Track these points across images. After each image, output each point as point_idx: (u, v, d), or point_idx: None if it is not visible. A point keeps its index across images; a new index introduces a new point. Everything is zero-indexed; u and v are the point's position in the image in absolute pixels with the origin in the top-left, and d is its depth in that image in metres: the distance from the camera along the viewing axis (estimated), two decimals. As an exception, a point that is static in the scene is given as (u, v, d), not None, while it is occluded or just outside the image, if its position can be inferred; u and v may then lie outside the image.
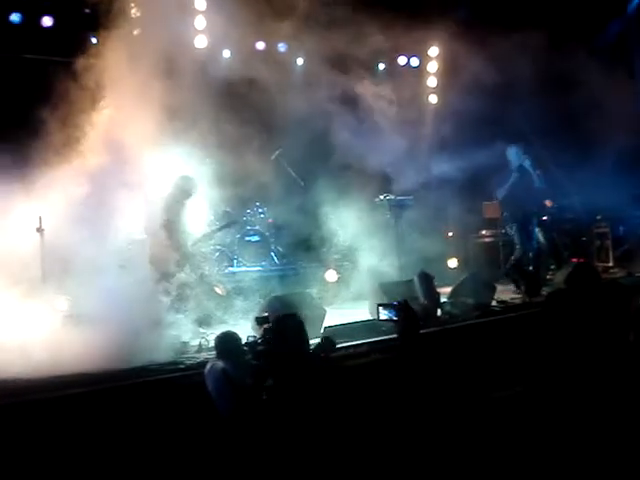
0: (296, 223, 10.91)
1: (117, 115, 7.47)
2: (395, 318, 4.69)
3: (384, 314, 4.90)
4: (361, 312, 8.47)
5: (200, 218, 9.32)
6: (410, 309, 4.45)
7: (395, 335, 4.68)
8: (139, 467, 4.99)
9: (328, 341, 4.98)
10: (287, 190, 11.31)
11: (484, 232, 12.87)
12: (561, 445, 3.12)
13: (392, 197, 10.81)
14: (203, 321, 7.72)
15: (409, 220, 10.81)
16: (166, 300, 7.23)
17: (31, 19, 9.96)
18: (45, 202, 7.44)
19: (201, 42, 10.34)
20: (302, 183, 11.59)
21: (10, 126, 8.60)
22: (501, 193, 10.48)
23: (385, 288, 8.49)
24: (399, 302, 4.62)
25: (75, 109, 7.36)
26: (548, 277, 10.43)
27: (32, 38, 9.87)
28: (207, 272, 8.65)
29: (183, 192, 8.31)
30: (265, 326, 4.83)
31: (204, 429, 4.92)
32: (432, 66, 13.21)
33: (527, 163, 10.31)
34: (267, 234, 11.25)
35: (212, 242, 10.05)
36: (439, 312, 8.40)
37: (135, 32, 7.98)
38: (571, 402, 3.23)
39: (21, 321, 6.76)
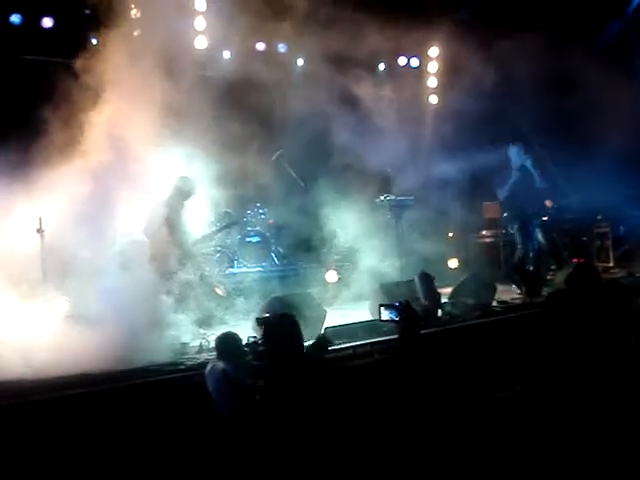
0: (297, 224, 10.92)
1: (117, 116, 7.46)
2: (396, 318, 4.69)
3: (386, 314, 4.90)
4: (361, 313, 8.46)
5: (200, 219, 9.33)
6: (411, 310, 4.45)
7: (396, 335, 4.68)
8: (140, 467, 4.98)
9: (323, 340, 4.98)
10: (288, 191, 11.32)
11: (484, 232, 12.88)
12: (562, 445, 3.12)
13: (392, 197, 10.82)
14: (203, 322, 7.71)
15: (409, 220, 10.82)
16: (168, 300, 7.23)
17: (31, 20, 9.95)
18: (45, 203, 7.44)
19: (201, 43, 10.34)
20: (303, 184, 11.59)
21: (10, 127, 8.59)
22: (502, 193, 10.48)
23: (386, 288, 8.49)
24: (400, 303, 4.62)
25: (75, 110, 7.36)
26: (548, 277, 10.42)
27: (32, 39, 9.86)
28: (207, 273, 8.66)
29: (183, 193, 8.31)
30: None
31: (205, 430, 4.92)
32: (432, 66, 13.21)
33: (529, 163, 10.31)
34: (268, 235, 11.25)
35: (213, 243, 10.07)
36: (440, 312, 8.39)
37: (135, 33, 7.98)
38: (572, 403, 3.23)
39: (22, 322, 6.75)
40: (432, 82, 13.28)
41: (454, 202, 12.69)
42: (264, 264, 11.05)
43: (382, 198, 10.82)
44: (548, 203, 10.85)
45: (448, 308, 8.56)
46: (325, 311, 7.92)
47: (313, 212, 10.73)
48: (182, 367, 6.42)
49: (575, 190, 11.82)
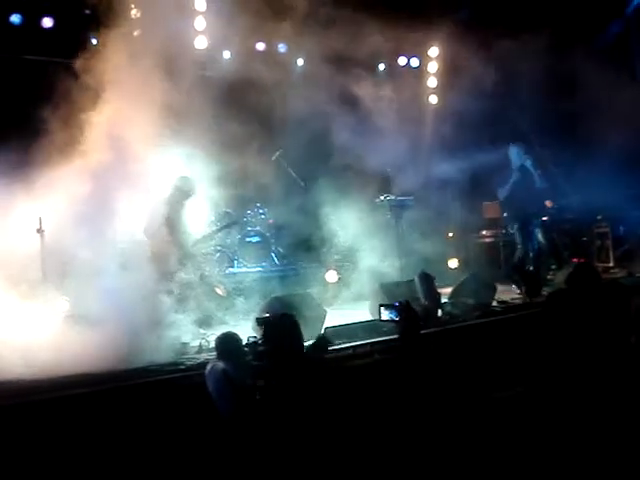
0: (297, 224, 10.92)
1: (117, 116, 7.46)
2: (396, 318, 4.69)
3: (386, 314, 4.90)
4: (361, 313, 8.46)
5: (200, 219, 9.33)
6: (411, 310, 4.45)
7: (396, 335, 4.68)
8: (140, 467, 4.98)
9: (323, 340, 4.98)
10: (287, 191, 11.33)
11: (484, 232, 12.89)
12: (562, 446, 3.12)
13: (392, 197, 10.81)
14: (204, 322, 7.71)
15: (409, 220, 10.82)
16: (168, 300, 7.23)
17: (31, 20, 9.95)
18: (45, 203, 7.44)
19: (201, 43, 10.34)
20: (302, 184, 11.59)
21: (10, 127, 8.59)
22: (502, 193, 10.49)
23: (386, 288, 8.49)
24: (400, 302, 4.62)
25: (75, 110, 7.36)
26: (548, 277, 10.42)
27: (32, 39, 9.86)
28: (207, 273, 8.65)
29: (183, 193, 8.31)
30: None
31: (205, 430, 4.92)
32: (432, 66, 13.21)
33: (529, 163, 10.31)
34: (268, 235, 11.25)
35: (213, 243, 10.06)
36: (440, 312, 8.39)
37: (135, 33, 7.98)
38: (572, 403, 3.23)
39: (22, 322, 6.75)
40: (432, 82, 13.29)
41: (454, 202, 12.70)
42: (264, 264, 11.05)
43: (382, 198, 10.81)
44: (548, 203, 10.86)
45: (448, 308, 8.56)
46: (325, 311, 7.92)
47: (313, 212, 10.73)
48: (182, 367, 6.42)
49: (575, 190, 11.82)
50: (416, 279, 8.56)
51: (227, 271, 10.43)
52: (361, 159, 10.28)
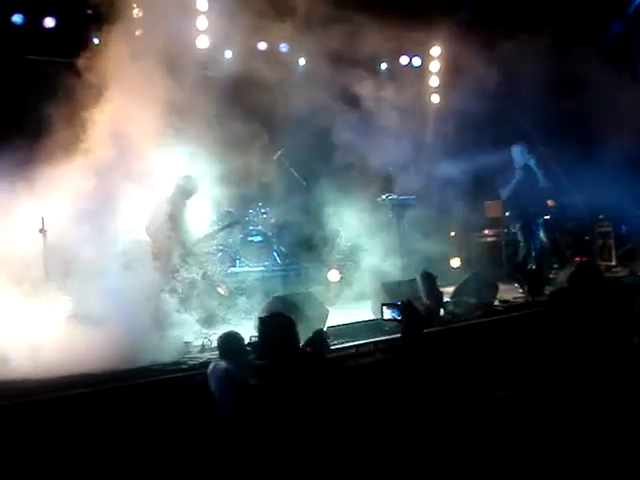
0: (298, 223, 10.93)
1: (119, 116, 7.47)
2: (399, 318, 4.70)
3: (388, 314, 4.90)
4: (364, 312, 8.47)
5: (203, 218, 9.34)
6: (414, 309, 4.45)
7: (398, 335, 4.68)
8: (142, 467, 4.99)
9: (319, 335, 4.97)
10: (289, 190, 11.33)
11: (487, 231, 12.88)
12: (563, 445, 3.12)
13: (394, 197, 10.82)
14: (206, 321, 7.72)
15: (411, 220, 10.82)
16: (170, 300, 7.24)
17: (33, 20, 9.97)
18: (48, 202, 7.45)
19: (203, 42, 10.34)
20: (304, 183, 11.59)
21: (13, 126, 8.61)
22: (505, 193, 10.48)
23: (388, 288, 8.49)
24: (403, 302, 4.62)
25: (77, 109, 7.37)
26: (551, 276, 10.43)
27: (34, 39, 9.87)
28: (210, 272, 8.65)
29: (185, 192, 8.32)
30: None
31: (207, 429, 4.93)
32: (434, 66, 13.20)
33: (532, 162, 10.31)
34: (270, 234, 11.25)
35: (215, 242, 10.06)
36: (442, 312, 8.40)
37: (137, 33, 7.99)
38: (574, 402, 3.23)
39: (24, 322, 6.76)
40: (434, 81, 13.27)
41: (456, 201, 12.68)
42: (266, 263, 11.05)
43: (384, 197, 10.82)
44: (550, 203, 10.86)
45: (450, 307, 8.56)
46: (327, 310, 7.92)
47: (315, 211, 10.74)
48: (184, 366, 6.42)
49: (577, 189, 11.82)
50: (418, 278, 8.57)
51: (229, 270, 10.43)
52: (363, 158, 10.29)
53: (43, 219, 7.40)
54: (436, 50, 13.01)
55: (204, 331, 7.39)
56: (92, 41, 8.47)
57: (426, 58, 13.14)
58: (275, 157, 11.29)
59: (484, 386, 4.12)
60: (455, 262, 12.27)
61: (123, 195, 7.40)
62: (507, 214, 11.26)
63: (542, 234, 10.56)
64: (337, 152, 10.38)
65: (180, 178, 8.33)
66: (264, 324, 4.65)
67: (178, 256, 7.91)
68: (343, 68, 10.35)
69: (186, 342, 7.14)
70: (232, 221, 10.33)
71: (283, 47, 11.38)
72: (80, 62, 7.59)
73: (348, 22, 9.83)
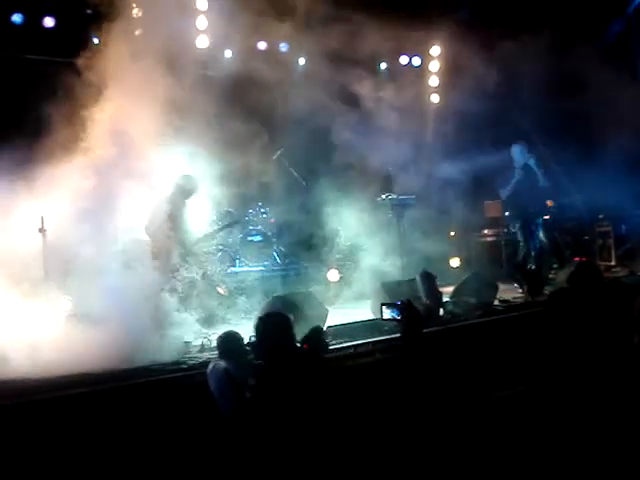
0: (298, 223, 10.94)
1: (119, 115, 7.47)
2: (398, 317, 4.70)
3: (387, 313, 4.90)
4: (363, 312, 8.47)
5: (202, 218, 9.34)
6: (414, 308, 4.45)
7: (398, 334, 4.68)
8: (142, 466, 4.99)
9: (316, 332, 4.96)
10: (289, 190, 11.33)
11: (486, 231, 12.88)
12: (563, 445, 3.12)
13: (394, 196, 10.82)
14: (205, 321, 7.72)
15: (411, 219, 10.82)
16: (170, 299, 7.24)
17: (33, 20, 9.96)
18: (48, 201, 7.45)
19: (202, 42, 10.34)
20: (304, 183, 11.59)
21: (13, 126, 8.60)
22: (504, 192, 10.48)
23: (387, 287, 8.49)
24: (402, 302, 4.62)
25: (77, 109, 7.37)
26: (550, 276, 10.43)
27: (34, 38, 9.87)
28: (209, 272, 8.65)
29: (185, 191, 8.32)
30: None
31: (206, 429, 4.93)
32: (434, 65, 13.20)
33: (532, 162, 10.30)
34: (269, 234, 11.25)
35: (214, 242, 10.06)
36: (441, 311, 8.40)
37: (137, 32, 7.99)
38: (573, 402, 3.23)
39: (24, 321, 6.75)
40: (434, 81, 13.26)
41: (456, 201, 12.68)
42: (266, 263, 11.05)
43: (384, 197, 10.82)
44: (549, 203, 10.86)
45: (450, 307, 8.56)
46: (327, 310, 7.92)
47: (315, 211, 10.74)
48: (184, 366, 6.42)
49: (577, 189, 11.82)
50: (418, 278, 8.57)
51: (229, 270, 10.43)
52: (363, 158, 10.28)
53: (43, 218, 7.40)
54: (436, 50, 13.01)
55: (204, 331, 7.40)
56: (92, 41, 8.47)
57: (426, 58, 13.13)
58: (275, 157, 11.29)
59: (484, 386, 4.12)
60: (455, 262, 12.27)
61: (123, 194, 7.40)
62: (507, 214, 11.26)
63: (542, 234, 10.56)
64: (337, 152, 10.38)
65: (180, 177, 8.33)
66: (261, 323, 4.66)
67: (178, 255, 7.92)
68: (343, 68, 10.35)
69: (186, 342, 7.14)
70: (232, 221, 10.32)
71: (283, 47, 11.37)
72: (80, 62, 7.60)
73: (348, 22, 9.83)
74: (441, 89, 13.16)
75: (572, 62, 10.79)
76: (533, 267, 10.26)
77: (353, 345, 7.00)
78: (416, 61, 13.10)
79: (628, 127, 11.08)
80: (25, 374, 6.01)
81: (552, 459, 3.11)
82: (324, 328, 7.22)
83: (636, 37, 13.92)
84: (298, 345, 4.68)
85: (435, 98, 13.25)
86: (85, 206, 7.18)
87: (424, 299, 8.27)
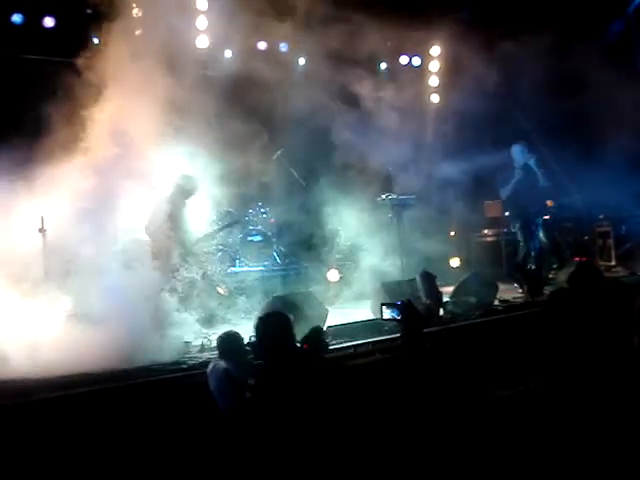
0: (298, 223, 10.95)
1: (118, 115, 7.47)
2: (398, 317, 4.69)
3: (388, 313, 4.90)
4: (363, 312, 8.48)
5: (202, 218, 9.33)
6: (414, 308, 4.45)
7: (398, 334, 4.68)
8: (142, 466, 4.99)
9: (316, 332, 4.96)
10: (289, 190, 11.34)
11: (486, 231, 12.88)
12: (564, 444, 3.12)
13: (394, 196, 10.82)
14: (205, 321, 7.72)
15: (411, 219, 10.82)
16: (170, 299, 7.24)
17: (33, 20, 9.96)
18: (48, 201, 7.45)
19: (202, 42, 10.34)
20: (304, 183, 11.59)
21: (13, 126, 8.60)
22: (504, 192, 10.48)
23: (387, 287, 8.49)
24: (402, 302, 4.62)
25: (77, 109, 7.37)
26: (550, 276, 10.43)
27: (34, 38, 9.87)
28: (209, 272, 8.65)
29: (185, 191, 8.32)
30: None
31: (206, 429, 4.93)
32: (434, 65, 13.20)
33: (532, 162, 10.29)
34: (269, 234, 11.26)
35: (214, 242, 10.06)
36: (441, 311, 8.40)
37: (137, 32, 7.99)
38: (574, 402, 3.22)
39: (24, 321, 6.75)
40: (434, 81, 13.27)
41: (456, 201, 12.68)
42: (266, 263, 11.06)
43: (383, 197, 10.82)
44: (549, 203, 10.86)
45: (450, 307, 8.56)
46: (327, 310, 7.92)
47: (315, 211, 10.74)
48: (184, 366, 6.42)
49: (577, 189, 11.82)
50: (418, 278, 8.57)
51: (229, 270, 10.43)
52: (362, 158, 10.28)
53: (42, 218, 7.39)
54: (436, 50, 13.02)
55: (204, 331, 7.40)
56: (92, 41, 8.47)
57: (426, 58, 13.13)
58: (275, 157, 11.29)
59: (484, 385, 4.12)
60: (455, 262, 12.28)
61: (123, 194, 7.40)
62: (507, 214, 11.25)
63: (542, 234, 10.55)
64: (337, 152, 10.38)
65: (180, 177, 8.33)
66: (261, 323, 4.66)
67: (178, 255, 7.92)
68: (343, 68, 10.35)
69: (186, 342, 7.14)
70: (232, 221, 10.32)
71: (283, 47, 11.37)
72: (80, 62, 7.60)
73: (348, 22, 9.83)
74: (441, 89, 13.16)
75: (572, 62, 10.79)
76: (533, 267, 10.25)
77: (353, 345, 7.00)
78: (416, 61, 13.10)
79: (628, 127, 11.08)
80: (25, 374, 6.01)
81: (552, 458, 3.11)
82: (324, 328, 7.23)
83: (636, 37, 13.91)
84: (298, 345, 4.67)
85: (435, 98, 13.26)
86: (85, 206, 7.17)
87: (424, 299, 8.27)
